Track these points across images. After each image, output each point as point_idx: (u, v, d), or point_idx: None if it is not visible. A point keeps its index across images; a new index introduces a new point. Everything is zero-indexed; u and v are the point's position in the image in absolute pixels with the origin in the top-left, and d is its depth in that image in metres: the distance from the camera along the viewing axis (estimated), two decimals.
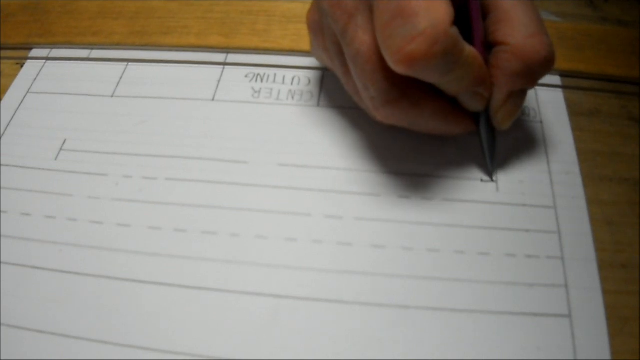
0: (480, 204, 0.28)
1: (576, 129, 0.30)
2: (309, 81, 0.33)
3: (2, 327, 0.25)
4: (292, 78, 0.33)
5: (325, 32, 0.27)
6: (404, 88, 0.25)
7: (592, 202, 0.28)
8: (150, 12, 0.36)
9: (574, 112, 0.31)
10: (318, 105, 0.32)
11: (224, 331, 0.25)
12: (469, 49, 0.24)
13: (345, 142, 0.30)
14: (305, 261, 0.26)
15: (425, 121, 0.27)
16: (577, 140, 0.30)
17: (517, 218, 0.27)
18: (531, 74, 0.26)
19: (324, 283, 0.26)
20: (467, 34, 0.25)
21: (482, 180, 0.28)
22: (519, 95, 0.27)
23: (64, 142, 0.31)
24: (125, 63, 0.34)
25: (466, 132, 0.28)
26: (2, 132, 0.32)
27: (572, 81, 0.32)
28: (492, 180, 0.29)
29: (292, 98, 0.32)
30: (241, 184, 0.29)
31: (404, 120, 0.27)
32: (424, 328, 0.24)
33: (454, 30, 0.23)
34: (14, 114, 0.33)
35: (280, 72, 0.33)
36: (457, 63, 0.24)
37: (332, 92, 0.32)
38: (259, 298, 0.25)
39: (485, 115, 0.28)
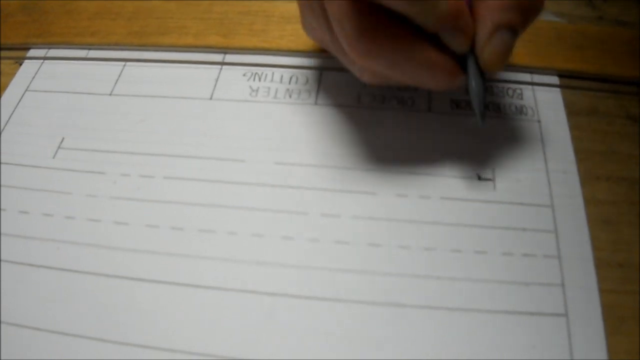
0: (477, 202, 0.28)
1: (574, 127, 0.30)
2: (307, 80, 0.33)
3: (0, 325, 0.25)
4: (290, 77, 0.33)
5: None
6: (380, 19, 0.25)
7: (590, 201, 0.28)
8: (149, 12, 0.36)
9: (572, 111, 0.31)
10: (316, 103, 0.32)
11: (221, 329, 0.25)
12: None
13: (343, 141, 0.30)
14: (301, 260, 0.26)
15: (406, 62, 0.25)
16: (575, 139, 0.30)
17: (514, 217, 0.27)
18: (516, 8, 0.25)
19: (320, 281, 0.26)
20: None
21: (479, 179, 0.28)
22: (506, 33, 0.25)
23: (62, 140, 0.31)
24: (123, 63, 0.35)
25: (453, 81, 0.26)
26: (0, 130, 0.32)
27: (571, 81, 0.32)
28: (483, 123, 0.27)
29: (290, 96, 0.32)
30: (238, 183, 0.29)
31: (383, 59, 0.25)
32: (420, 326, 0.24)
33: None
34: (13, 112, 0.33)
35: (278, 71, 0.33)
36: None
37: (329, 90, 0.32)
38: (255, 296, 0.25)
39: (473, 58, 0.26)
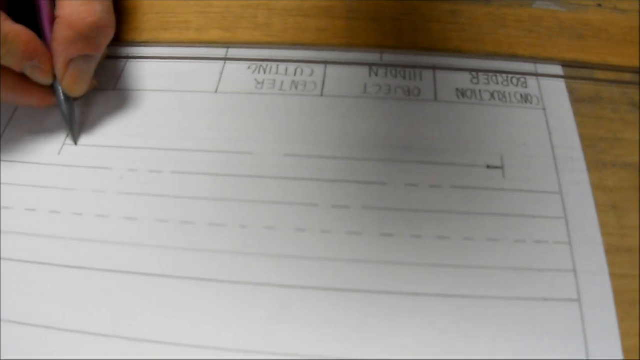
0: (488, 190, 0.28)
1: (578, 115, 0.30)
2: (312, 72, 0.33)
3: (8, 324, 0.25)
4: (295, 69, 0.33)
5: None
6: None
7: (597, 187, 0.28)
8: (149, 7, 0.36)
9: (576, 99, 0.31)
10: (322, 94, 0.32)
11: (235, 322, 0.24)
12: (10, 27, 0.27)
13: (351, 131, 0.30)
14: (314, 251, 0.26)
15: (3, 91, 0.29)
16: (580, 126, 0.30)
17: (525, 204, 0.27)
18: (83, 39, 0.29)
19: (334, 272, 0.26)
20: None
21: (488, 167, 0.28)
22: (83, 60, 0.30)
23: (67, 137, 0.31)
24: (125, 60, 0.34)
25: (48, 104, 0.31)
26: (4, 128, 0.31)
27: (574, 71, 0.32)
28: (76, 145, 0.31)
29: (296, 88, 0.32)
30: (247, 176, 0.29)
31: None
32: (435, 315, 0.24)
33: None
34: (15, 109, 0.32)
35: (282, 63, 0.33)
36: None
37: (335, 81, 0.32)
38: (269, 289, 0.25)
39: (59, 85, 0.30)
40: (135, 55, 0.34)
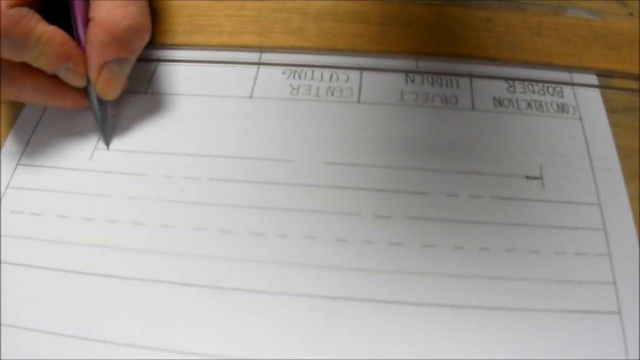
0: (527, 201, 0.28)
1: (614, 125, 0.30)
2: (348, 78, 0.32)
3: (41, 334, 0.24)
4: (330, 75, 0.33)
5: None
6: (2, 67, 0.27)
7: (634, 198, 0.28)
8: (179, 10, 0.35)
9: (611, 109, 0.31)
10: (359, 101, 0.32)
11: (277, 333, 0.24)
12: (44, 29, 0.27)
13: (390, 139, 0.30)
14: (356, 262, 0.26)
15: (29, 96, 0.29)
16: (616, 136, 0.30)
17: (564, 215, 0.27)
18: (118, 42, 0.28)
19: (377, 283, 0.25)
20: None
21: (527, 177, 0.28)
22: (117, 64, 0.29)
23: (97, 141, 0.30)
24: (156, 63, 0.34)
25: (80, 106, 0.30)
26: (32, 131, 0.31)
27: (609, 80, 0.32)
28: (108, 149, 0.30)
29: (332, 94, 0.32)
30: (286, 184, 0.28)
31: (6, 95, 0.29)
32: (478, 327, 0.24)
33: (19, 11, 0.26)
34: (43, 112, 0.32)
35: (317, 69, 0.33)
36: (27, 42, 0.26)
37: (372, 88, 0.32)
38: (312, 299, 0.25)
39: (92, 88, 0.30)
40: (166, 58, 0.34)
